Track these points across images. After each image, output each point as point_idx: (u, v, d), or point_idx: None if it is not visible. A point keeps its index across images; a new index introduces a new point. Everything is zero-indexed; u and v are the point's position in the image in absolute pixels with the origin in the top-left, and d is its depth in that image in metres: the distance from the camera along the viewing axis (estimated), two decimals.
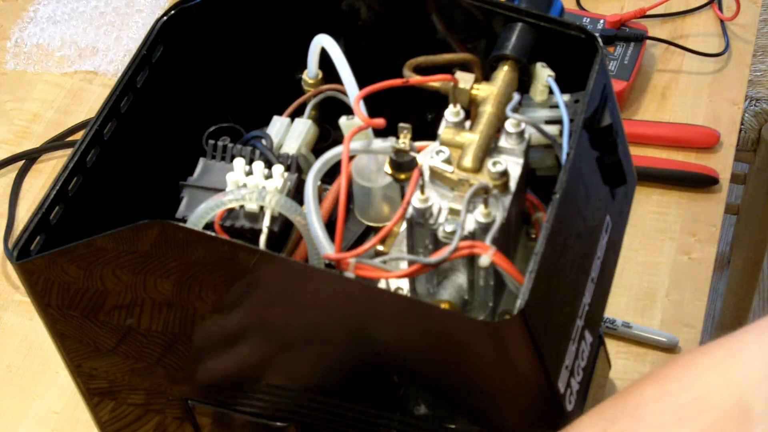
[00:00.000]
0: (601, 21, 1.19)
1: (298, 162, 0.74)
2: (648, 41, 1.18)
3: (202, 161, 0.74)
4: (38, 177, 1.13)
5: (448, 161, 0.64)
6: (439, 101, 0.69)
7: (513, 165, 0.65)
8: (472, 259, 0.63)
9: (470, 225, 0.62)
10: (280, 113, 0.78)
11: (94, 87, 1.20)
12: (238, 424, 0.73)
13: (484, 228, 0.61)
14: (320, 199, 0.72)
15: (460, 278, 0.65)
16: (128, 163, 0.75)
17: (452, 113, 0.66)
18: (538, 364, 0.61)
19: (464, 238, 0.61)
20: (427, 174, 0.64)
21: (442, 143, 0.66)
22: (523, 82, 0.71)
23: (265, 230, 0.69)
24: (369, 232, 0.76)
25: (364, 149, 0.69)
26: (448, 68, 0.70)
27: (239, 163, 0.70)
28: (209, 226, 0.69)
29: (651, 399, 0.53)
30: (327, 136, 0.80)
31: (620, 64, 1.14)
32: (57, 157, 1.14)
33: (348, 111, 0.73)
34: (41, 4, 1.28)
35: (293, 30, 0.79)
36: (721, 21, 1.22)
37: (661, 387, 0.53)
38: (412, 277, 0.65)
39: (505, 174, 0.63)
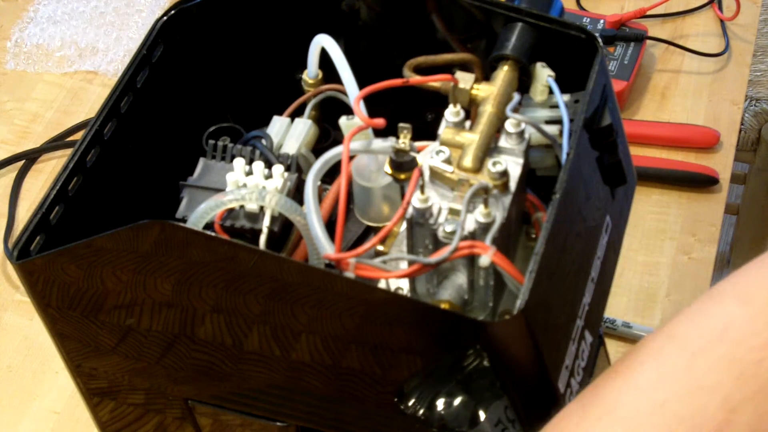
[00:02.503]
0: (601, 21, 1.19)
1: (298, 162, 0.74)
2: (648, 41, 1.18)
3: (202, 161, 0.74)
4: (38, 177, 1.12)
5: (448, 161, 0.64)
6: (439, 101, 0.69)
7: (513, 165, 0.65)
8: (472, 259, 0.63)
9: (470, 225, 0.62)
10: (280, 113, 0.78)
11: (94, 87, 1.20)
12: (238, 424, 0.73)
13: (484, 228, 0.61)
14: (320, 199, 0.72)
15: (460, 278, 0.65)
16: (128, 163, 0.75)
17: (452, 113, 0.66)
18: (538, 364, 0.61)
19: (464, 238, 0.61)
20: (427, 174, 0.64)
21: (442, 143, 0.66)
22: (523, 82, 0.71)
23: (265, 230, 0.69)
24: (369, 232, 0.75)
25: (364, 149, 0.69)
26: (448, 68, 0.70)
27: (239, 163, 0.70)
28: (209, 226, 0.69)
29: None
30: (327, 136, 0.80)
31: (620, 64, 1.14)
32: (57, 157, 1.14)
33: (348, 111, 0.73)
34: (41, 4, 1.28)
35: (293, 30, 0.79)
36: (721, 21, 1.22)
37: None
38: (412, 277, 0.65)
39: (505, 174, 0.63)
